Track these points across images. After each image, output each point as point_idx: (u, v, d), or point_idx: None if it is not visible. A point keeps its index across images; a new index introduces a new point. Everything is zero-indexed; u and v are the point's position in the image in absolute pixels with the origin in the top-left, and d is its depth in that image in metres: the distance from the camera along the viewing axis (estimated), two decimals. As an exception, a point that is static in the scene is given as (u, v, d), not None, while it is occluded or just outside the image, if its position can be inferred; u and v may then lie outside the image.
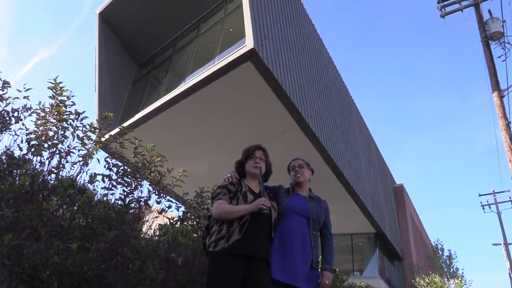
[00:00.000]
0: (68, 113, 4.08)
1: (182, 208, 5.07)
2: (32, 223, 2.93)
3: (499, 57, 10.51)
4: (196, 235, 4.52)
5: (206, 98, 9.35)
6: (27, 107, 3.97)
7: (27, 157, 3.71)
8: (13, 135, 3.82)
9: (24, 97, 3.99)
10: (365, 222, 16.46)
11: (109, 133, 4.78)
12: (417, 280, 17.81)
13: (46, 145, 3.84)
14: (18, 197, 3.14)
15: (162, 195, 4.65)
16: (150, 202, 4.51)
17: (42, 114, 3.98)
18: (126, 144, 4.57)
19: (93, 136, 4.30)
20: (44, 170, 3.76)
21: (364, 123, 18.39)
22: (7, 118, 3.82)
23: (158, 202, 4.67)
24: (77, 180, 3.99)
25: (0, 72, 3.86)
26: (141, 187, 4.39)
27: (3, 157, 3.60)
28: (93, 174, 4.06)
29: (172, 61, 12.15)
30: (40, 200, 3.34)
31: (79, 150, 4.11)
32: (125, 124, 9.42)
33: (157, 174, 4.60)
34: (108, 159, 4.29)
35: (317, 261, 2.85)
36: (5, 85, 3.88)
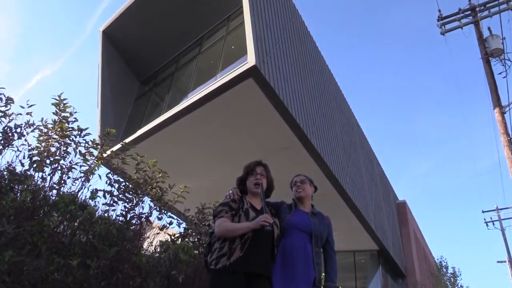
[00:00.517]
0: (71, 129, 4.10)
1: (184, 225, 5.04)
2: (33, 239, 2.91)
3: (500, 73, 10.57)
4: (197, 252, 4.48)
5: (208, 114, 9.39)
6: (30, 123, 3.99)
7: (28, 173, 3.71)
8: (15, 151, 3.84)
9: (27, 113, 4.02)
10: (368, 239, 16.30)
11: (111, 149, 4.79)
12: (421, 298, 17.56)
13: (48, 161, 3.85)
14: (19, 213, 3.13)
15: (163, 211, 4.64)
16: (151, 219, 4.49)
17: (45, 130, 4.00)
18: (128, 160, 4.58)
19: (95, 152, 4.31)
20: (46, 186, 3.76)
21: (366, 140, 18.39)
22: (10, 134, 3.83)
23: (159, 219, 4.66)
24: (79, 196, 3.98)
25: (4, 88, 3.90)
26: (142, 203, 4.38)
27: (5, 172, 3.60)
28: (94, 190, 4.06)
29: (174, 78, 12.24)
30: (41, 216, 3.33)
31: (81, 166, 4.12)
32: (127, 140, 9.44)
33: (159, 190, 4.59)
34: (109, 175, 4.29)
35: (320, 278, 2.81)
36: (9, 101, 3.91)
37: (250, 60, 8.03)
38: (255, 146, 10.28)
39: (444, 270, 22.70)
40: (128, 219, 4.17)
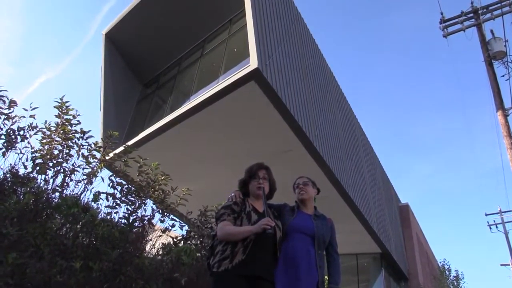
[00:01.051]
0: (74, 131, 4.11)
1: (186, 227, 5.04)
2: (35, 242, 2.92)
3: (503, 76, 10.55)
4: (199, 254, 4.48)
5: (211, 117, 9.39)
6: (33, 125, 4.01)
7: (31, 175, 3.72)
8: (18, 154, 3.85)
9: (30, 116, 4.03)
10: (370, 242, 16.25)
11: (114, 152, 4.79)
12: (424, 301, 17.48)
13: (51, 164, 3.85)
14: (22, 216, 3.14)
15: (165, 213, 4.64)
16: (153, 221, 4.49)
17: (48, 132, 4.01)
18: (130, 163, 4.58)
19: (98, 155, 4.32)
20: (48, 188, 3.77)
21: (368, 142, 18.36)
22: (13, 136, 3.84)
23: (162, 221, 4.66)
24: (81, 198, 3.98)
25: (7, 91, 3.91)
26: (144, 205, 4.39)
27: (8, 175, 3.61)
28: (97, 193, 4.06)
29: (176, 81, 12.26)
30: (44, 219, 3.34)
31: (83, 169, 4.13)
32: (130, 143, 9.45)
33: (161, 193, 4.59)
34: (112, 178, 4.30)
35: (323, 281, 2.81)
36: (12, 104, 3.92)
37: (252, 63, 8.04)
38: (257, 148, 10.27)
39: (447, 273, 22.59)
40: (130, 221, 4.17)
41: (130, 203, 4.25)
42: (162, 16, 11.62)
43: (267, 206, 2.77)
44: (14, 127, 3.90)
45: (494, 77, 10.38)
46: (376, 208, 16.39)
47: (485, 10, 11.23)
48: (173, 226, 4.77)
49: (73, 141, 4.10)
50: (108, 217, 4.07)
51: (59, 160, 3.92)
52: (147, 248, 4.52)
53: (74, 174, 4.04)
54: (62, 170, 3.93)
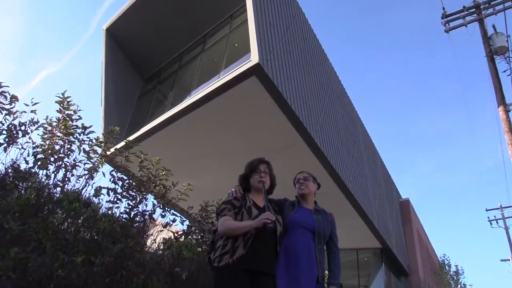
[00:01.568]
0: (75, 127, 4.12)
1: (187, 222, 5.06)
2: (37, 237, 2.93)
3: (504, 71, 10.52)
4: (200, 249, 4.50)
5: (211, 112, 9.39)
6: (34, 121, 4.01)
7: (33, 170, 3.73)
8: (20, 149, 3.86)
9: (31, 111, 4.03)
10: (371, 237, 16.29)
11: (115, 147, 4.80)
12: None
13: (52, 159, 3.86)
14: (24, 211, 3.15)
15: (166, 208, 4.65)
16: (154, 216, 4.50)
17: (49, 128, 4.01)
18: (131, 158, 4.59)
19: (99, 150, 4.33)
20: (50, 183, 3.78)
21: (369, 138, 18.35)
22: (14, 131, 3.85)
23: (163, 216, 4.68)
24: (83, 193, 4.00)
25: (8, 86, 3.91)
26: (146, 200, 4.40)
27: (10, 170, 3.62)
28: (98, 188, 4.07)
29: (177, 76, 12.24)
30: (45, 214, 3.35)
31: (84, 164, 4.14)
32: (131, 138, 9.46)
33: (162, 188, 4.60)
34: (113, 173, 4.31)
35: (323, 276, 2.82)
36: (13, 99, 3.92)
37: (254, 58, 8.02)
38: (258, 144, 10.27)
39: (447, 268, 22.66)
40: (131, 216, 4.19)
41: (131, 198, 4.26)
42: (163, 11, 11.59)
43: (267, 200, 2.78)
44: (16, 122, 3.91)
45: (496, 72, 10.35)
46: (377, 203, 16.41)
47: (487, 5, 11.18)
48: (174, 221, 4.78)
49: (74, 136, 4.11)
50: (110, 212, 4.08)
51: (60, 155, 3.93)
52: (148, 242, 4.54)
53: (76, 169, 4.05)
54: (63, 165, 3.94)
